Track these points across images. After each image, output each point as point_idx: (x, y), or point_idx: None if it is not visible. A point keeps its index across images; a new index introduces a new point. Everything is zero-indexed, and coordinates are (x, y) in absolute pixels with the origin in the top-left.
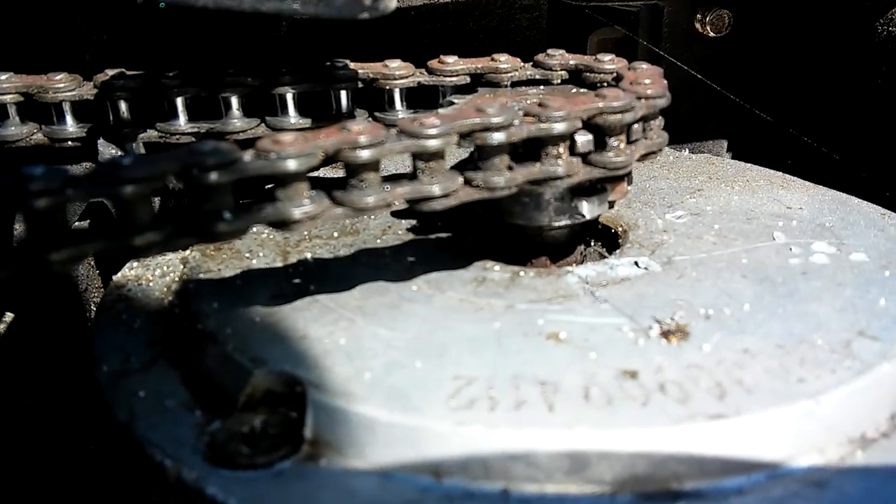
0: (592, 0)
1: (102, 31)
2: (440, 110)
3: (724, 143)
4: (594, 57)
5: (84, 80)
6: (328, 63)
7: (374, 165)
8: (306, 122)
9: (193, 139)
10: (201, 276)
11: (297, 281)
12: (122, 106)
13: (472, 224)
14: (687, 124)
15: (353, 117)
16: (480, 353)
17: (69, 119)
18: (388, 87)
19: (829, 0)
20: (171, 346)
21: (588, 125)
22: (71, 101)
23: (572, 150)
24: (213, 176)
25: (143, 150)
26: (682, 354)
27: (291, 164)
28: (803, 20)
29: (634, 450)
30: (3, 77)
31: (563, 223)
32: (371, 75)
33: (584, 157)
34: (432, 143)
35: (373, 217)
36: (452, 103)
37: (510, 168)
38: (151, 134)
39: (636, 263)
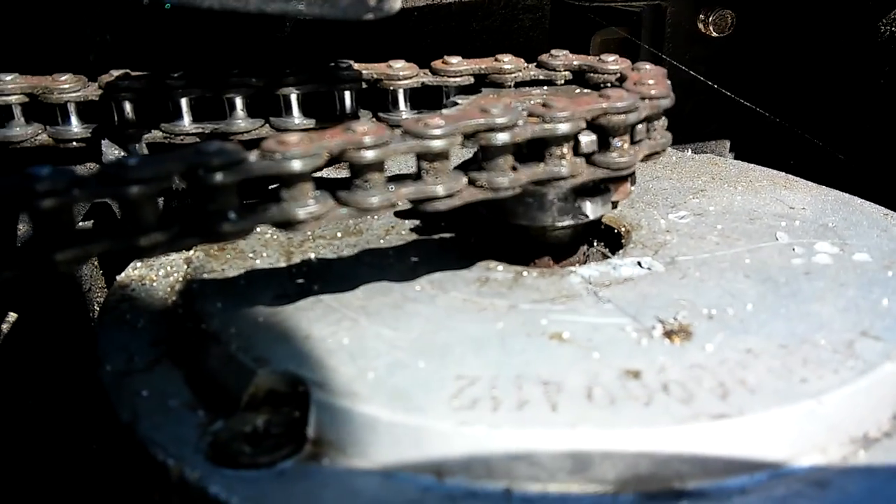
0: (595, 1)
1: (106, 32)
2: (444, 111)
3: (727, 144)
4: (598, 57)
5: (89, 81)
6: (332, 64)
7: (378, 166)
8: (310, 123)
9: (198, 140)
10: (205, 276)
11: (300, 281)
12: (127, 106)
13: (475, 224)
14: (689, 125)
15: (357, 118)
16: (483, 353)
17: (74, 120)
18: (391, 88)
19: (831, 0)
20: (174, 345)
21: (592, 126)
22: (76, 102)
23: (576, 151)
24: (219, 176)
25: (146, 151)
26: (685, 354)
27: (297, 165)
28: (806, 20)
29: (637, 449)
30: (9, 78)
31: (566, 223)
32: (375, 76)
33: (588, 158)
34: (437, 144)
35: (376, 217)
36: (456, 104)
37: (514, 168)
38: (156, 134)
39: (639, 264)
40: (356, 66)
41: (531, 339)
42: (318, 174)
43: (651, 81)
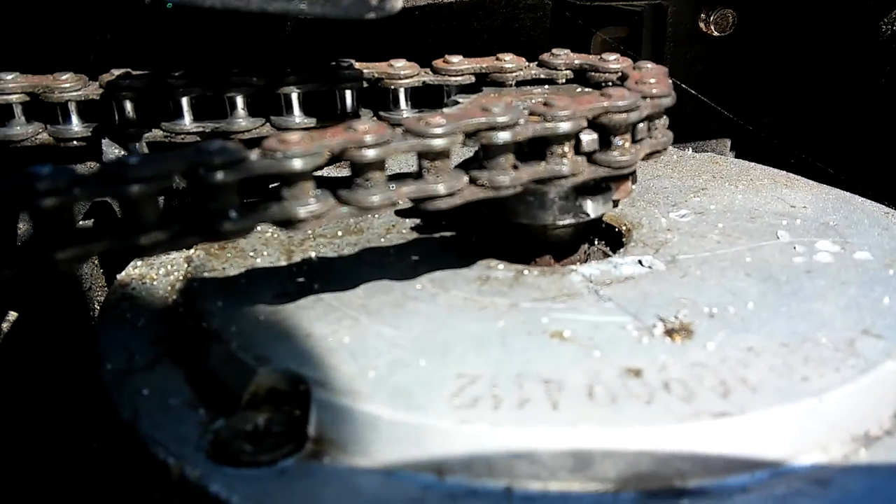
0: (596, 0)
1: (107, 32)
2: (445, 109)
3: (728, 142)
4: (599, 56)
5: (90, 80)
6: (333, 63)
7: (379, 165)
8: (311, 122)
9: (199, 139)
10: (205, 274)
11: (301, 280)
12: (128, 106)
13: (476, 223)
14: (690, 123)
15: (358, 117)
16: (484, 352)
17: (75, 119)
18: (393, 87)
19: None
20: (175, 344)
21: (593, 124)
22: (76, 101)
23: (577, 150)
24: (220, 175)
25: (146, 150)
26: (686, 353)
27: (298, 164)
28: (807, 19)
29: (638, 448)
30: (9, 77)
31: (567, 222)
32: (376, 75)
33: (589, 157)
34: (438, 143)
35: (377, 216)
36: (457, 103)
37: (515, 167)
38: (157, 133)
39: (640, 262)
40: (357, 65)
41: (532, 338)
42: (319, 173)
43: (652, 80)
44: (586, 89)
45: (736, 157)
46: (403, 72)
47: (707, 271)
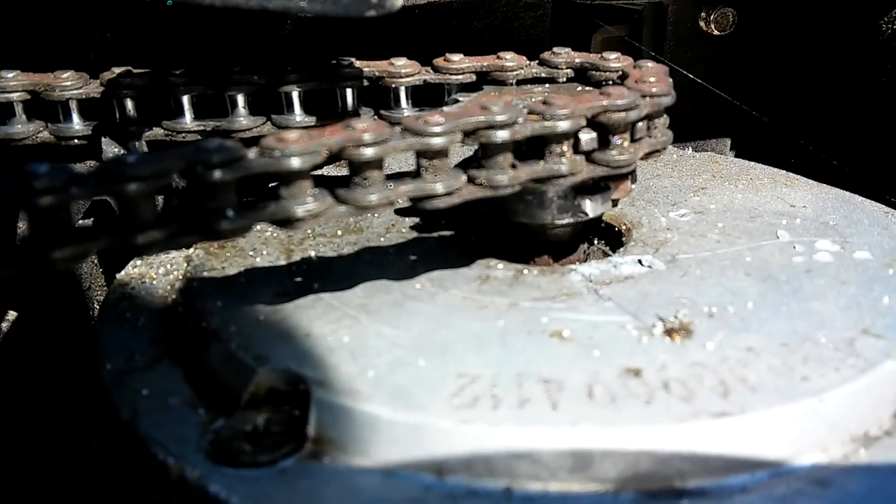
0: None
1: (107, 30)
2: (444, 108)
3: (728, 142)
4: (600, 55)
5: (91, 79)
6: (334, 61)
7: (377, 163)
8: (312, 121)
9: (200, 137)
10: (205, 274)
11: (300, 279)
12: (129, 104)
13: (475, 222)
14: (690, 122)
15: (359, 115)
16: (484, 351)
17: (76, 117)
18: (393, 86)
19: None
20: (174, 344)
21: (592, 123)
22: (77, 100)
23: (576, 149)
24: (217, 174)
25: (146, 149)
26: (686, 352)
27: (295, 162)
28: (807, 18)
29: (638, 448)
30: (10, 75)
31: (566, 221)
32: (377, 73)
33: (588, 156)
34: (436, 141)
35: (376, 215)
36: (458, 101)
37: (513, 166)
38: (158, 132)
39: (640, 261)
40: (358, 63)
41: (532, 338)
42: (320, 171)
43: (652, 79)
44: (587, 88)
45: (736, 156)
46: (404, 70)
47: (707, 271)
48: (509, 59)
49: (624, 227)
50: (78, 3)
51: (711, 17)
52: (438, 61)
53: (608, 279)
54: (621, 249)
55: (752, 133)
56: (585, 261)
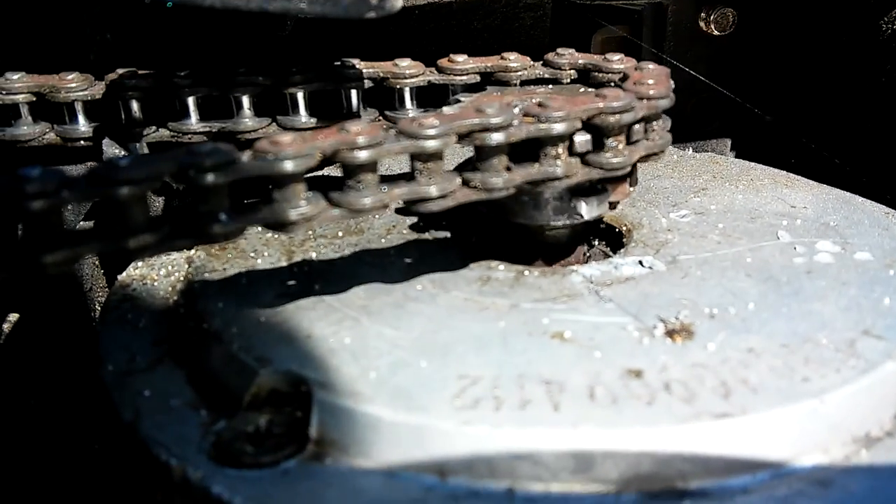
0: None
1: (107, 31)
2: (440, 110)
3: (728, 142)
4: (603, 56)
5: (96, 80)
6: (339, 62)
7: (371, 166)
8: (317, 122)
9: (205, 139)
10: (206, 275)
11: (302, 280)
12: (134, 105)
13: (476, 223)
14: (691, 123)
15: (363, 117)
16: (485, 353)
17: (81, 119)
18: (398, 87)
19: None
20: (176, 345)
21: (588, 125)
22: (83, 101)
23: (571, 151)
24: (210, 177)
25: (147, 150)
26: (687, 353)
27: (289, 165)
28: (807, 18)
29: (640, 449)
30: (16, 77)
31: (561, 223)
32: (381, 74)
33: (583, 158)
34: (430, 144)
35: (377, 216)
36: (459, 102)
37: (508, 169)
38: (163, 133)
39: (641, 263)
40: (362, 64)
41: (533, 339)
42: (316, 174)
43: (651, 81)
44: (590, 89)
45: (736, 156)
46: (409, 71)
47: (707, 272)
48: (513, 59)
49: (624, 228)
50: (78, 3)
51: (711, 17)
52: (442, 62)
53: (609, 280)
54: (622, 250)
55: (752, 133)
56: (586, 262)
